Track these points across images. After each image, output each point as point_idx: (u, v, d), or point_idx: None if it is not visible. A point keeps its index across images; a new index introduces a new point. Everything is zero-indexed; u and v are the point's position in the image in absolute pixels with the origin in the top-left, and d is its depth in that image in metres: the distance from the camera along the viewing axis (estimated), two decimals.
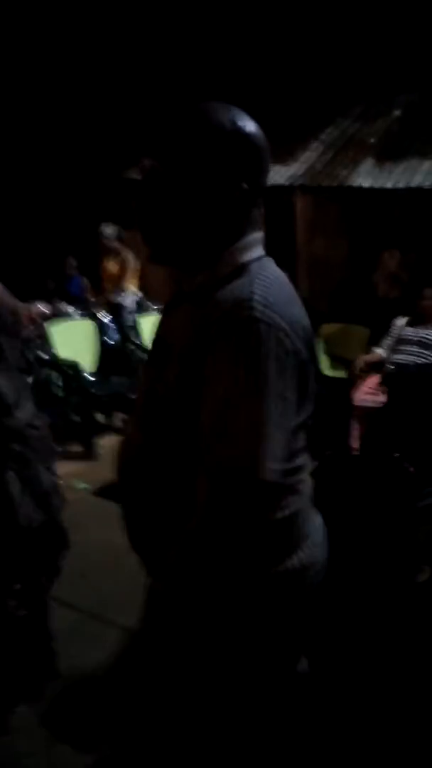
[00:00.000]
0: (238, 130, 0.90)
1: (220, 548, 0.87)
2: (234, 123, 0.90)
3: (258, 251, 0.95)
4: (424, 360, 3.73)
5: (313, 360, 0.95)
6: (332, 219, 5.49)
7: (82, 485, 3.64)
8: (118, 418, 4.65)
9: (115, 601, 2.47)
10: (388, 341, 4.08)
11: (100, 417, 4.43)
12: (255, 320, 0.84)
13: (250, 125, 0.92)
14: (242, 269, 0.91)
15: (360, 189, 4.93)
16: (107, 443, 4.27)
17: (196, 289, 0.93)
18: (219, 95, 1.08)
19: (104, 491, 3.57)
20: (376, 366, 4.01)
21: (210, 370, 0.86)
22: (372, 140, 5.25)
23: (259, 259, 0.94)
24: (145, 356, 4.67)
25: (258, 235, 0.95)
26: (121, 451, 1.06)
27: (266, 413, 0.83)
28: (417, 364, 3.72)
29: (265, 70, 6.10)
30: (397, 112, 5.44)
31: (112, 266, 5.38)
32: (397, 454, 1.93)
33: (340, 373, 4.35)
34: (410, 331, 3.92)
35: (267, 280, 0.89)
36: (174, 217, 0.92)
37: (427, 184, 4.64)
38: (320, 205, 5.32)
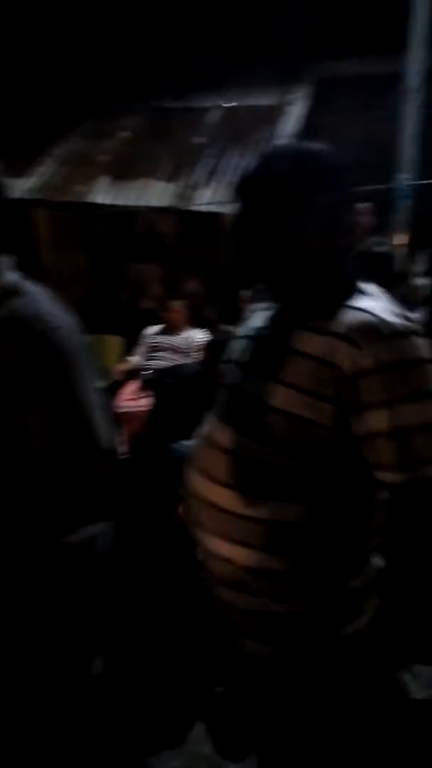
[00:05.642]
0: None
1: None
2: None
3: (14, 274, 1.09)
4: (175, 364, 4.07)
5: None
6: (73, 233, 5.57)
7: None
8: None
9: None
10: (141, 349, 4.34)
11: None
12: (54, 328, 1.04)
13: None
14: (15, 289, 1.07)
15: (98, 205, 5.10)
16: None
17: None
18: None
19: None
20: (133, 373, 4.23)
21: (32, 381, 1.02)
22: (104, 159, 5.46)
23: (22, 279, 1.10)
24: None
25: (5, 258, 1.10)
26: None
27: (86, 393, 1.07)
28: (172, 366, 4.01)
29: None
30: (124, 134, 5.75)
31: None
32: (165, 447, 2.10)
33: (100, 383, 4.46)
34: (160, 339, 4.24)
35: (41, 295, 1.08)
36: None
37: (159, 203, 5.02)
38: (60, 220, 5.36)
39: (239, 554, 1.02)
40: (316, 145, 1.04)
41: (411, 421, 0.90)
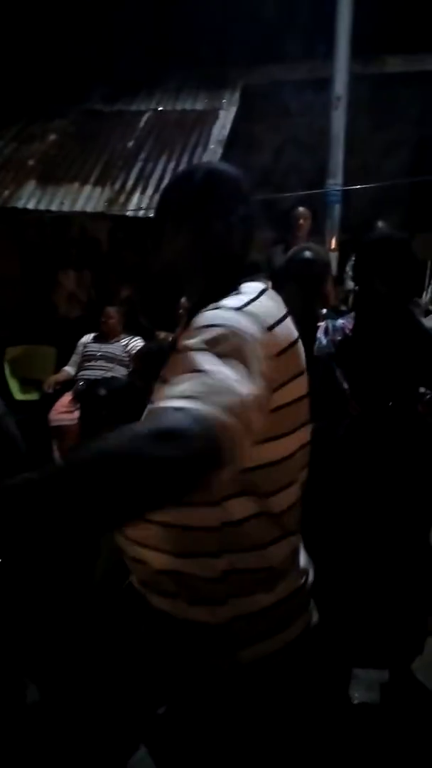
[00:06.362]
0: None
1: None
2: None
3: None
4: (109, 374, 3.97)
5: None
6: (1, 239, 5.36)
7: None
8: None
9: None
10: (75, 359, 4.22)
11: None
12: None
13: None
14: None
15: (26, 210, 4.93)
16: None
17: None
18: None
19: None
20: (67, 384, 4.10)
21: None
22: (31, 162, 5.29)
23: None
24: None
25: None
26: None
27: None
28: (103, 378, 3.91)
29: None
30: (53, 137, 5.58)
31: None
32: None
33: (32, 396, 4.30)
34: (95, 347, 4.13)
35: None
36: None
37: (89, 208, 4.90)
38: None
39: (153, 558, 1.03)
40: (224, 166, 1.16)
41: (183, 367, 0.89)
